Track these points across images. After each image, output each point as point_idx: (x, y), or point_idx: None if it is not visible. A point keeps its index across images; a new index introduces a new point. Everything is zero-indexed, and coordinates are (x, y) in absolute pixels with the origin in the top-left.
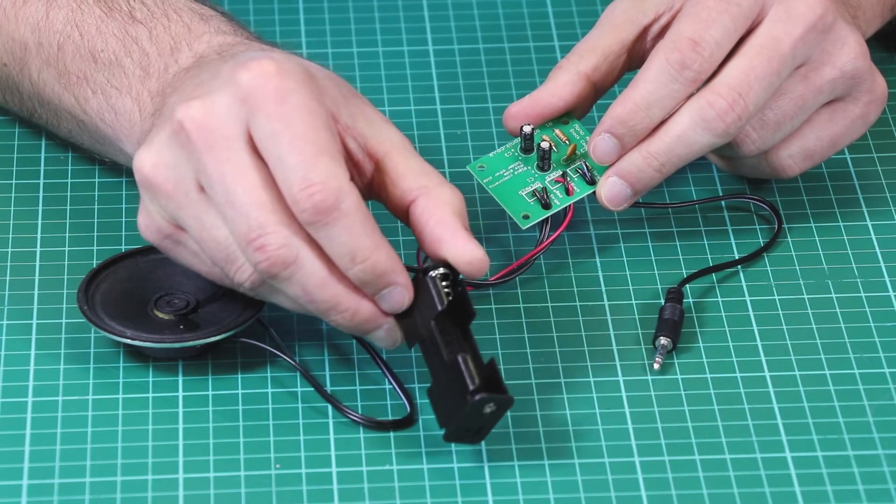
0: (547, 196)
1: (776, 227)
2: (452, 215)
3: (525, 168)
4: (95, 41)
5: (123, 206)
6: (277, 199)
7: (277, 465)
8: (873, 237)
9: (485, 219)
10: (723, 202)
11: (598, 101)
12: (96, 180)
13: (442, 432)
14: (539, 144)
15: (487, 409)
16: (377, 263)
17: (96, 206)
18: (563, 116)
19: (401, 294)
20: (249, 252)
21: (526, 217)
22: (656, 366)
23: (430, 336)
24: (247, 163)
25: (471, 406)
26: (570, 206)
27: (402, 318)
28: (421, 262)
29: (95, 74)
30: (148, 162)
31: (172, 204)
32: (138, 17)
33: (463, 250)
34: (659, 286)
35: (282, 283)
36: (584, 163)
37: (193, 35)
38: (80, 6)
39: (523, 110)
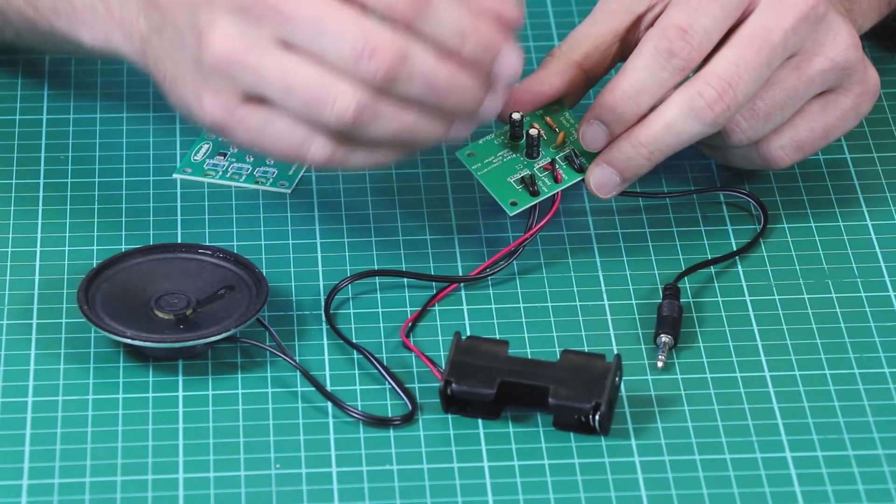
0: (535, 183)
1: (762, 223)
2: None
3: (514, 155)
4: None
5: (123, 205)
6: (366, 14)
7: (277, 465)
8: (873, 236)
9: (482, 209)
10: (721, 195)
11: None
12: (96, 180)
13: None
14: (528, 132)
15: (618, 378)
16: (485, 32)
17: (96, 206)
18: (554, 104)
19: (512, 53)
20: (362, 65)
21: (514, 204)
22: (660, 364)
23: (517, 372)
24: None
25: (616, 368)
26: (557, 193)
27: (467, 377)
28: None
29: None
30: (216, 40)
31: (249, 69)
32: None
33: None
34: (659, 285)
35: (402, 83)
36: (573, 150)
37: None
38: None
39: (513, 97)
